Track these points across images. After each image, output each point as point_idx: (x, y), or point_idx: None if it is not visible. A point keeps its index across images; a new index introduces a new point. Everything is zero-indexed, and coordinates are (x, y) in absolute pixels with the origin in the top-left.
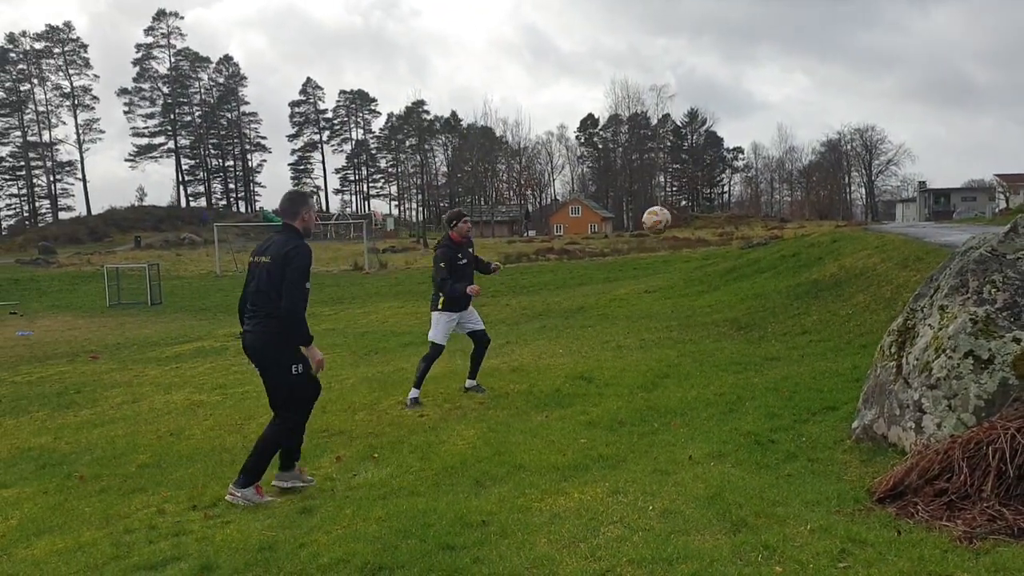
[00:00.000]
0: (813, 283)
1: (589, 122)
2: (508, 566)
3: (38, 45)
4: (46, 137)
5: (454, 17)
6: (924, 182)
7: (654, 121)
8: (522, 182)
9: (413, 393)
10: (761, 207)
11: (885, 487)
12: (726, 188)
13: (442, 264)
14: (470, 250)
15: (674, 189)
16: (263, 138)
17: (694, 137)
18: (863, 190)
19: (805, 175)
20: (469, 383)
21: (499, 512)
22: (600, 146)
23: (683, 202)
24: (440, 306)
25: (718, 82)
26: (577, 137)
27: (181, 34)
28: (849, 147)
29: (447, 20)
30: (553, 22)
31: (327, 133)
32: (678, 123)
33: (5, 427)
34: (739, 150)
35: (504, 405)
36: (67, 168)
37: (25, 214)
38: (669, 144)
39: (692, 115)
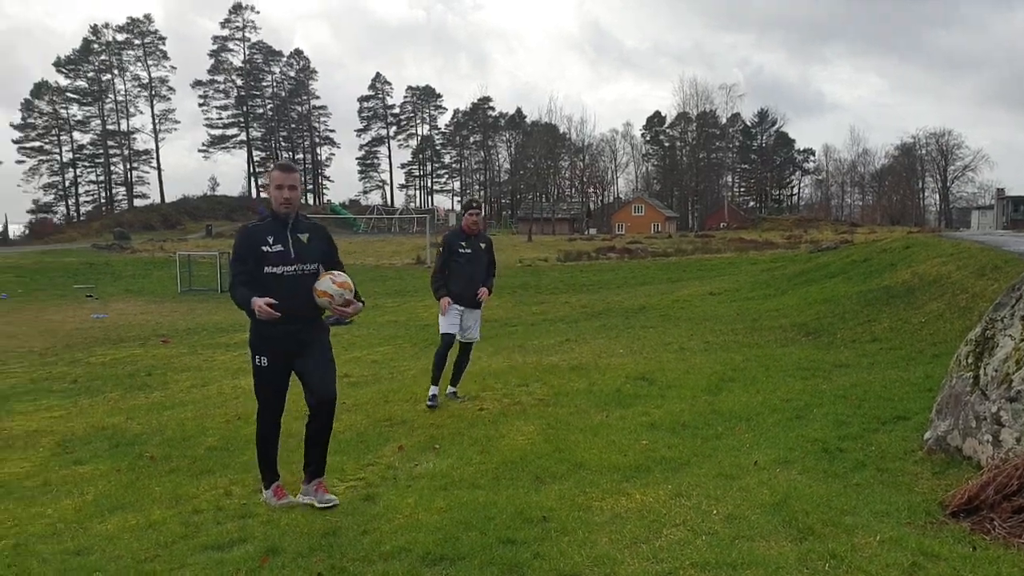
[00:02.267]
0: (884, 289)
1: (656, 120)
2: (569, 563)
3: (119, 37)
4: (124, 126)
5: (516, 11)
6: (1003, 189)
7: (723, 120)
8: (584, 179)
9: (431, 390)
10: (831, 211)
11: (959, 501)
12: (795, 190)
13: (440, 249)
14: (482, 245)
15: (741, 190)
16: (332, 132)
17: (764, 137)
18: (937, 196)
19: (877, 179)
20: (450, 389)
21: (559, 509)
22: (666, 144)
23: (750, 203)
24: (437, 296)
25: (787, 81)
26: (643, 135)
27: (255, 28)
28: (924, 152)
29: (508, 14)
30: (616, 18)
31: (394, 128)
32: (747, 123)
33: (81, 406)
34: (810, 152)
35: (564, 403)
36: (143, 157)
37: (102, 201)
38: (738, 144)
39: (762, 115)
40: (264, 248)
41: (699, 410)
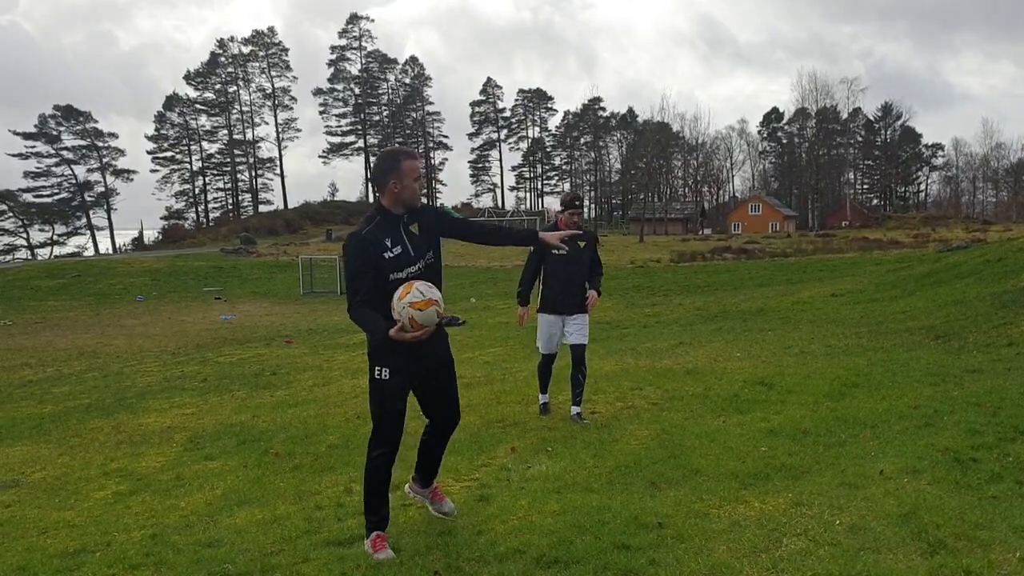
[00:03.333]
0: (1021, 291)
1: (773, 116)
2: (685, 571)
3: (245, 49)
4: (249, 135)
5: (624, 8)
6: None
7: (844, 115)
8: (698, 178)
9: (541, 398)
10: (961, 208)
11: None
12: (922, 187)
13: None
14: (581, 244)
15: (864, 187)
16: (445, 137)
17: (888, 132)
18: None
19: (1012, 174)
20: (574, 410)
21: (675, 515)
22: (784, 141)
23: (874, 201)
24: (539, 305)
25: (912, 72)
26: (759, 131)
27: (371, 37)
28: None
29: (616, 12)
30: (728, 11)
31: (505, 131)
32: (870, 117)
33: (211, 403)
34: (938, 146)
35: (678, 407)
36: (267, 164)
37: (229, 207)
38: (860, 139)
39: (886, 109)
40: (386, 255)
41: (821, 416)
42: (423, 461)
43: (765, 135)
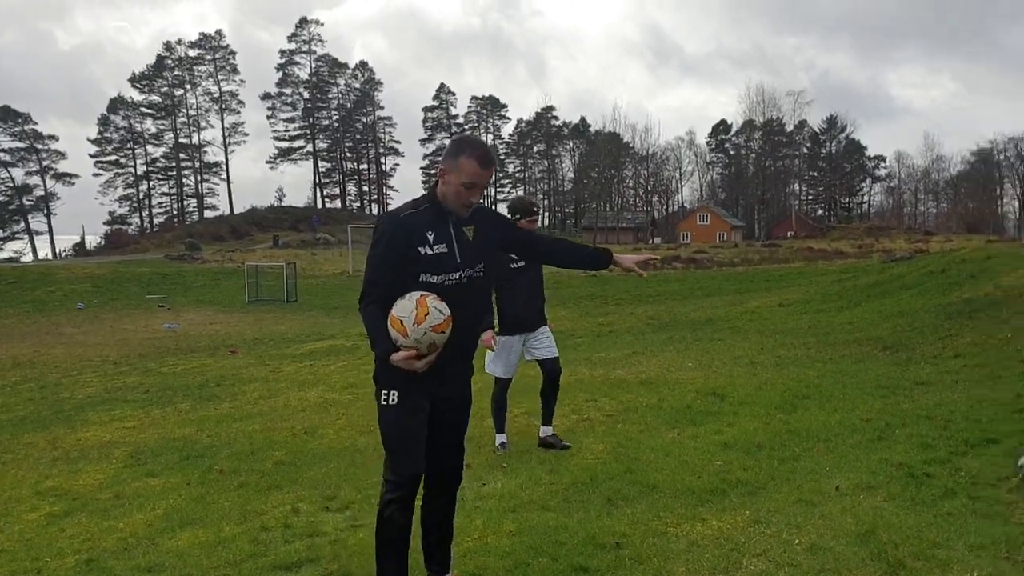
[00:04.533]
0: (966, 302)
1: (720, 128)
2: None
3: (192, 52)
4: (195, 140)
5: (573, 17)
6: None
7: (790, 127)
8: (649, 188)
9: (499, 438)
10: (903, 219)
11: None
12: (866, 198)
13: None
14: None
15: (809, 198)
16: (397, 142)
17: (833, 144)
18: (1016, 203)
19: (953, 186)
20: (545, 431)
21: (633, 535)
22: (732, 152)
23: (819, 212)
24: (497, 327)
25: (855, 85)
26: (707, 143)
27: (321, 40)
28: (1002, 157)
29: (564, 20)
30: (675, 21)
31: None
32: (816, 129)
33: (153, 417)
34: (881, 158)
35: (633, 419)
36: (213, 169)
37: (174, 212)
38: (806, 151)
39: (831, 121)
40: (422, 249)
41: (774, 429)
42: (428, 536)
43: (713, 146)
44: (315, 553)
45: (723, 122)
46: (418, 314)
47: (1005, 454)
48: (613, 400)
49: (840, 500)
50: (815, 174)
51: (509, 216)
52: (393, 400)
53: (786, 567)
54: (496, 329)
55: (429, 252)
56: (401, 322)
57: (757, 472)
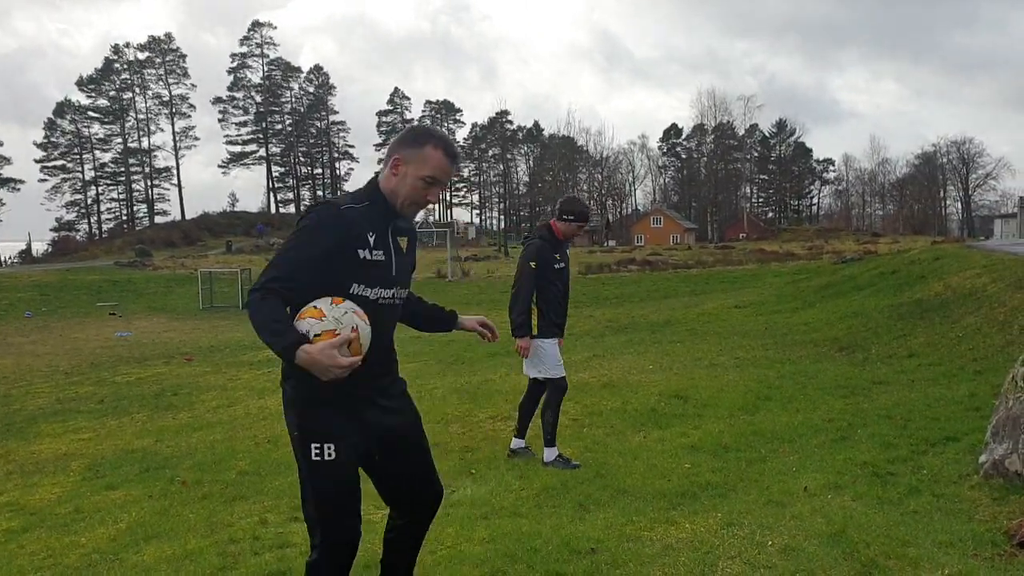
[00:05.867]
0: (917, 303)
1: (672, 132)
2: None
3: (140, 56)
4: (145, 144)
5: (523, 21)
6: None
7: (741, 131)
8: (603, 192)
9: (549, 454)
10: (852, 220)
11: None
12: (815, 200)
13: (532, 264)
14: (568, 253)
15: (760, 200)
16: (351, 147)
17: (782, 148)
18: (959, 205)
19: (898, 188)
20: (517, 443)
21: (607, 540)
22: (683, 156)
23: (769, 214)
24: (535, 330)
25: (802, 89)
26: (659, 147)
27: (274, 44)
28: (945, 160)
29: (516, 24)
30: (624, 26)
31: None
32: (766, 133)
33: (109, 427)
34: (829, 161)
35: (598, 423)
36: (163, 174)
37: (124, 218)
38: (756, 154)
39: (780, 125)
40: (362, 253)
41: (739, 431)
42: (391, 570)
43: (665, 150)
44: (286, 565)
45: (674, 126)
46: (334, 299)
47: (965, 451)
48: (577, 404)
49: (809, 500)
50: (765, 177)
51: (564, 217)
52: (329, 454)
53: (761, 569)
54: (534, 332)
55: (368, 257)
56: (314, 307)
57: (726, 474)
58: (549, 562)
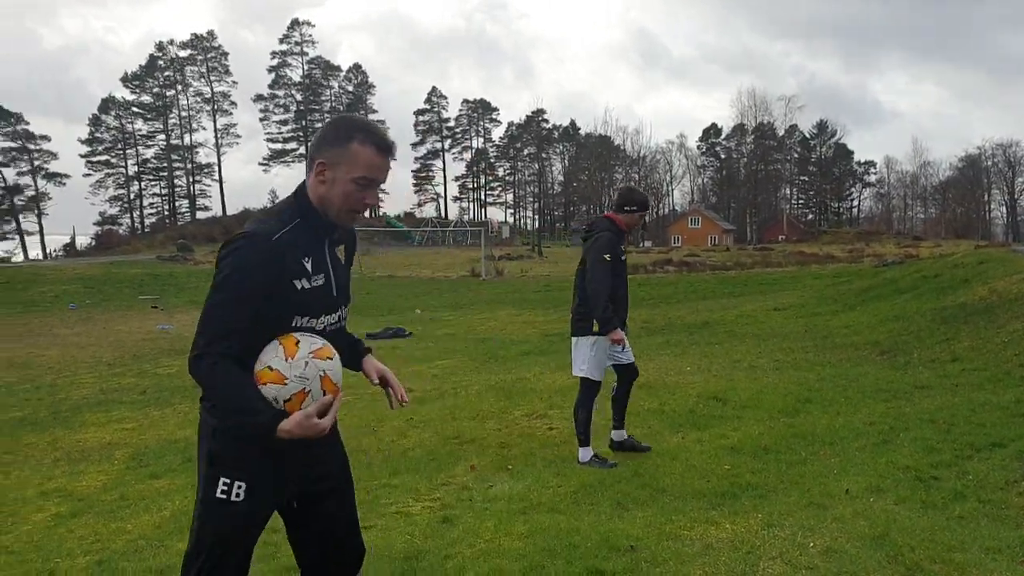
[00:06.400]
0: (960, 307)
1: (711, 131)
2: None
3: (183, 53)
4: (187, 140)
5: (560, 20)
6: None
7: (780, 131)
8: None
9: (584, 454)
10: (892, 224)
11: None
12: (855, 203)
13: (607, 256)
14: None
15: (800, 202)
16: None
17: (823, 149)
18: (1004, 208)
19: (941, 192)
20: (617, 435)
21: (646, 538)
22: (723, 156)
23: (809, 216)
24: (596, 326)
25: (842, 90)
26: (698, 146)
27: (313, 42)
28: (990, 163)
29: (551, 23)
30: (661, 25)
31: (449, 141)
32: (806, 134)
33: (151, 418)
34: (871, 164)
35: (636, 423)
36: (205, 170)
37: (165, 213)
38: (796, 156)
39: (821, 126)
40: (298, 283)
41: (779, 433)
42: None
43: (704, 150)
44: None
45: (714, 126)
46: (323, 350)
47: (1012, 458)
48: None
49: (851, 503)
50: (805, 178)
51: (627, 208)
52: (238, 494)
53: (803, 570)
54: (595, 328)
55: (307, 286)
56: (270, 368)
57: (766, 475)
58: (588, 558)
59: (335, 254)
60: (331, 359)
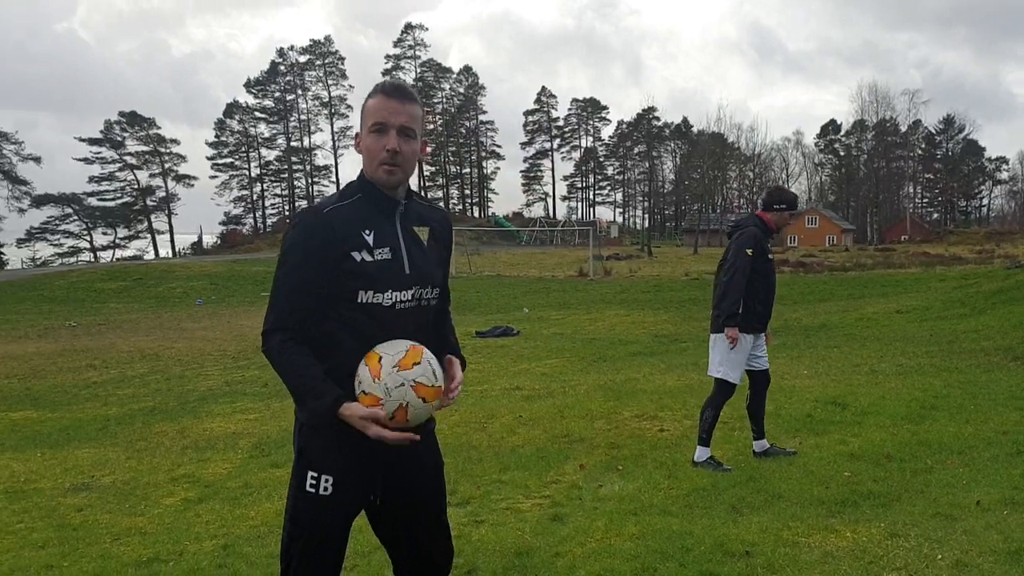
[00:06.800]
0: None
1: (830, 128)
2: None
3: (302, 58)
4: (306, 143)
5: (669, 15)
6: None
7: (904, 127)
8: (754, 189)
9: (701, 454)
10: None
11: None
12: (985, 201)
13: (749, 251)
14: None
15: (924, 201)
16: (498, 146)
17: (950, 145)
18: None
19: None
20: (759, 445)
21: (762, 543)
22: (842, 153)
23: (934, 215)
24: (734, 321)
25: (972, 82)
26: (816, 143)
27: (425, 45)
28: None
29: (661, 19)
30: (776, 17)
31: (558, 141)
32: (932, 130)
33: (273, 409)
34: (1003, 160)
35: (748, 427)
36: (323, 171)
37: (286, 213)
38: (920, 152)
39: (948, 121)
40: (357, 255)
41: (903, 440)
42: None
43: (822, 147)
44: None
45: (832, 122)
46: (406, 358)
47: None
48: (728, 407)
49: (983, 515)
50: (931, 176)
51: (776, 207)
52: (326, 488)
53: None
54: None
55: (368, 259)
56: (365, 393)
57: (889, 484)
58: (702, 562)
59: (411, 233)
60: (418, 364)
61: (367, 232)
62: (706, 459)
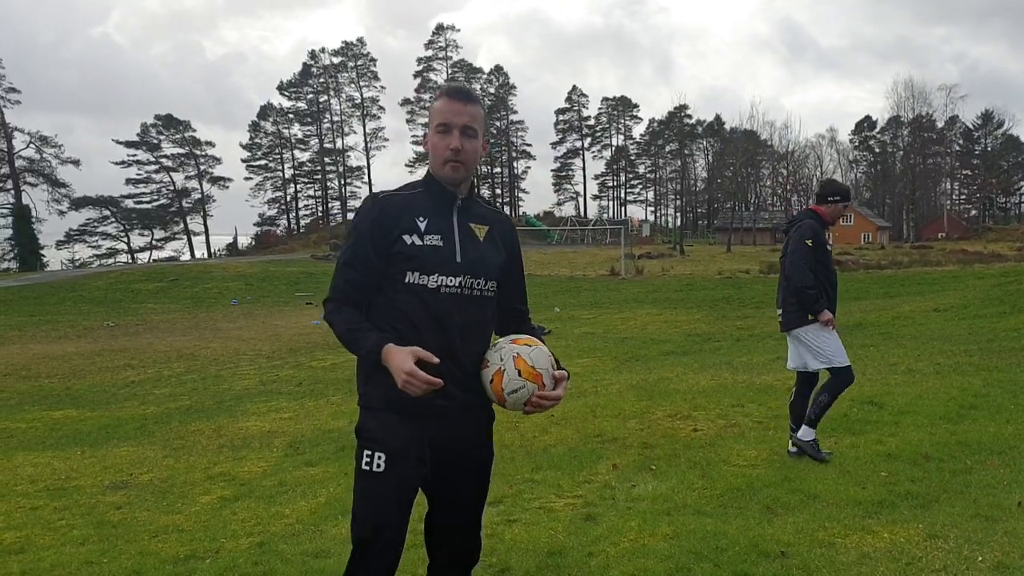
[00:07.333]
0: None
1: (865, 124)
2: None
3: (335, 60)
4: (339, 144)
5: (698, 12)
6: None
7: (940, 123)
8: (788, 187)
9: (806, 432)
10: None
11: None
12: None
13: (808, 241)
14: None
15: (962, 198)
16: (528, 145)
17: (988, 141)
18: None
19: None
20: (812, 433)
21: (797, 544)
22: (877, 150)
23: (972, 212)
24: (821, 306)
25: (1010, 76)
26: (851, 140)
27: (457, 46)
28: None
29: (690, 16)
30: (808, 14)
31: (588, 139)
32: (969, 125)
33: (307, 408)
34: None
35: (784, 426)
36: (355, 172)
37: (319, 214)
38: (958, 148)
39: (986, 117)
40: (408, 238)
41: (941, 440)
42: None
43: (857, 144)
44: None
45: (867, 118)
46: (525, 339)
47: None
48: (761, 406)
49: None
50: (968, 172)
51: (830, 199)
52: (379, 465)
53: None
54: (810, 317)
55: (418, 243)
56: (537, 372)
57: (927, 484)
58: (736, 563)
59: (467, 227)
60: (529, 346)
61: (421, 219)
62: (811, 440)
